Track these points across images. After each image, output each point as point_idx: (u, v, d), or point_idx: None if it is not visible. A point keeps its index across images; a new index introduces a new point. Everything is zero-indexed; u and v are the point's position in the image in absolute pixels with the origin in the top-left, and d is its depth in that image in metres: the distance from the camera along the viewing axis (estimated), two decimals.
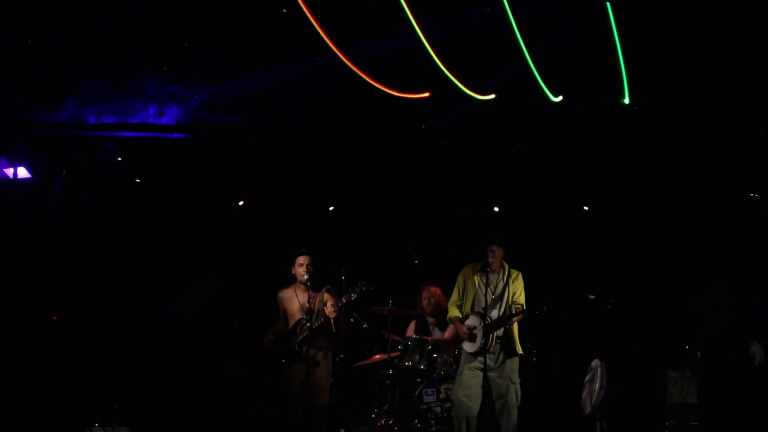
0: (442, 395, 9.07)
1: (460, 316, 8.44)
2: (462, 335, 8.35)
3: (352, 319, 9.34)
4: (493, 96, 8.95)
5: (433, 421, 9.02)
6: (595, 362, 9.27)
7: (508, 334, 8.31)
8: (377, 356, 9.57)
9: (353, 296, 8.32)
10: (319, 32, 8.78)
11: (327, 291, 8.57)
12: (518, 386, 8.29)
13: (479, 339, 8.23)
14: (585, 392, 9.25)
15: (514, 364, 8.31)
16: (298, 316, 8.55)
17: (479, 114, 9.23)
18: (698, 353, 8.87)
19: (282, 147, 9.77)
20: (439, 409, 9.06)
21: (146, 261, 10.42)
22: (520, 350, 8.34)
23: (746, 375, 8.68)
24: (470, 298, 8.44)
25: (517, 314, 8.26)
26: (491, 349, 8.20)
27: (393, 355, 9.16)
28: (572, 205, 10.40)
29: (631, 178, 9.86)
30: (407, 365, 9.03)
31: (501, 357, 8.26)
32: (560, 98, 8.93)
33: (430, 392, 9.13)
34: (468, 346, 8.34)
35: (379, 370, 9.42)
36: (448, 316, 8.60)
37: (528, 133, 9.42)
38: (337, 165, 9.92)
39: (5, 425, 8.91)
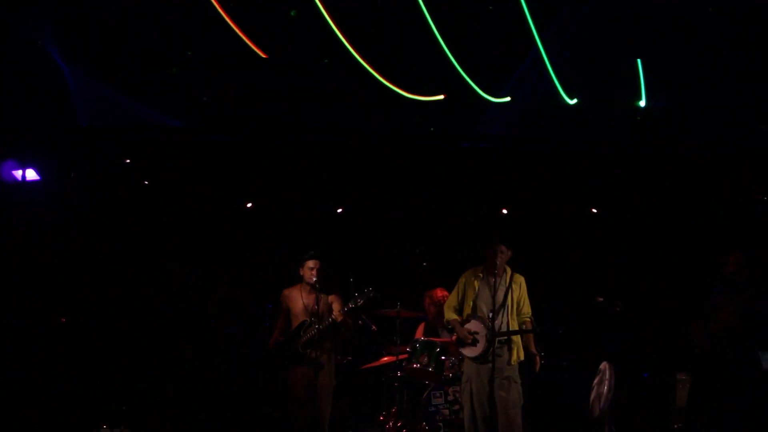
0: (450, 398, 9.05)
1: (458, 319, 8.42)
2: (464, 340, 8.32)
3: (360, 322, 9.33)
4: (508, 99, 8.99)
5: (441, 424, 9.00)
6: (603, 365, 9.25)
7: (512, 339, 8.29)
8: (385, 358, 9.56)
9: (360, 302, 8.33)
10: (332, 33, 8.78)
11: (334, 295, 8.58)
12: (520, 387, 8.27)
13: (482, 345, 8.21)
14: (593, 395, 9.23)
15: (514, 365, 8.27)
16: (301, 317, 8.54)
17: (486, 117, 9.28)
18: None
19: (290, 148, 9.77)
20: (447, 412, 9.04)
21: (154, 263, 10.42)
22: (522, 356, 8.31)
23: (747, 376, 8.65)
24: (469, 303, 8.40)
25: (527, 331, 8.26)
26: (492, 353, 8.19)
27: (401, 357, 9.15)
28: (580, 208, 10.39)
29: (639, 181, 9.86)
30: (415, 367, 9.01)
31: (503, 360, 8.24)
32: (575, 101, 8.99)
33: (438, 394, 9.11)
34: (468, 351, 8.33)
35: (388, 373, 9.41)
36: (446, 319, 8.54)
37: (534, 135, 9.45)
38: (345, 168, 9.92)
39: (14, 428, 8.92)
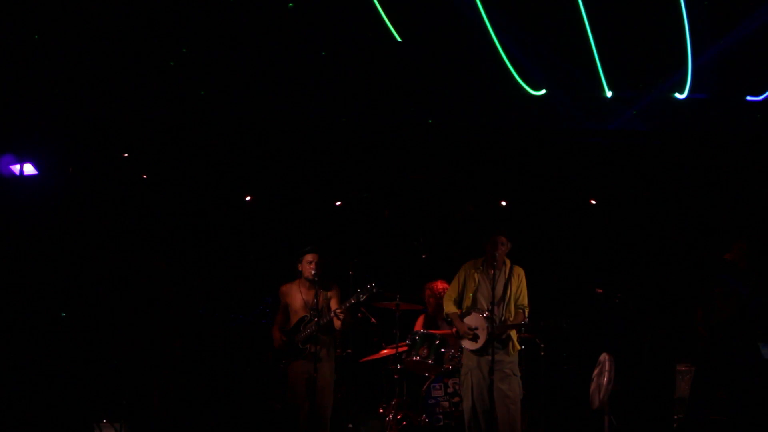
0: (450, 390, 9.06)
1: (458, 312, 8.41)
2: (463, 334, 8.31)
3: (359, 314, 9.33)
4: (544, 91, 9.06)
5: (441, 416, 9.01)
6: (603, 356, 9.25)
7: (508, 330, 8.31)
8: (385, 351, 9.56)
9: (362, 297, 8.31)
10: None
11: (333, 290, 8.56)
12: (519, 380, 8.27)
13: (482, 339, 8.20)
14: (593, 386, 9.23)
15: (513, 357, 8.28)
16: (301, 313, 8.52)
17: (484, 108, 9.26)
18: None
19: (289, 141, 9.76)
20: (447, 404, 9.04)
21: (152, 257, 10.41)
22: (518, 346, 8.32)
23: (747, 367, 8.65)
24: (469, 295, 8.38)
25: (525, 325, 8.29)
26: (492, 345, 8.17)
27: (401, 349, 9.15)
28: (579, 199, 10.38)
29: (639, 171, 9.85)
30: (415, 360, 9.02)
31: (501, 352, 8.23)
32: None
33: (438, 387, 9.11)
34: (468, 344, 8.31)
35: (387, 365, 9.41)
36: (445, 312, 8.53)
37: (533, 126, 9.44)
38: (344, 159, 9.91)
39: (13, 422, 8.91)
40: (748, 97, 9.20)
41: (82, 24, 9.01)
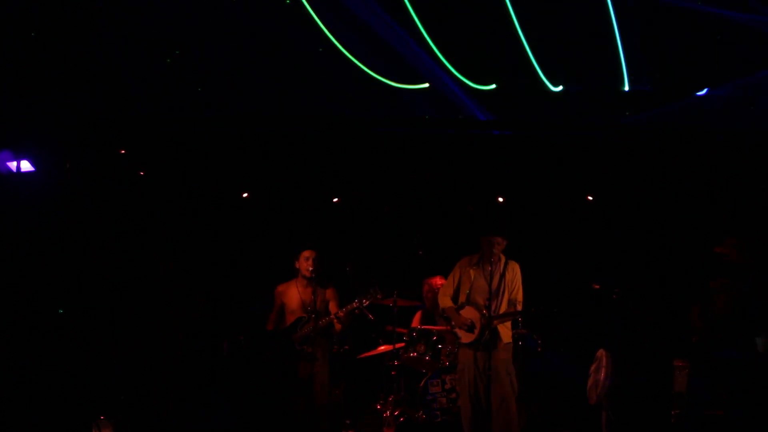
0: (447, 386, 9.06)
1: (454, 306, 8.40)
2: (459, 325, 8.30)
3: (357, 311, 9.32)
4: (494, 86, 9.02)
5: (438, 412, 9.02)
6: (600, 352, 9.24)
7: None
8: (382, 347, 9.56)
9: (366, 302, 8.30)
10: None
11: (331, 289, 8.54)
12: (513, 376, 8.27)
13: (477, 331, 8.20)
14: (590, 382, 9.22)
15: (507, 353, 8.30)
16: (298, 313, 8.51)
17: (482, 104, 9.27)
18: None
19: (286, 139, 9.76)
20: (444, 400, 9.05)
21: (151, 255, 10.41)
22: (509, 338, 8.32)
23: (744, 363, 8.65)
24: (465, 290, 8.40)
25: (514, 314, 8.30)
26: (488, 337, 8.17)
27: (398, 346, 9.15)
28: (576, 195, 10.38)
29: (635, 167, 9.85)
30: (412, 356, 9.03)
31: (493, 347, 8.22)
32: (560, 88, 9.01)
33: (435, 383, 9.12)
34: (464, 336, 8.31)
35: (384, 362, 9.41)
36: (441, 306, 8.55)
37: (531, 121, 9.44)
38: (341, 157, 9.91)
39: (12, 418, 8.91)
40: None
41: (80, 20, 9.03)
